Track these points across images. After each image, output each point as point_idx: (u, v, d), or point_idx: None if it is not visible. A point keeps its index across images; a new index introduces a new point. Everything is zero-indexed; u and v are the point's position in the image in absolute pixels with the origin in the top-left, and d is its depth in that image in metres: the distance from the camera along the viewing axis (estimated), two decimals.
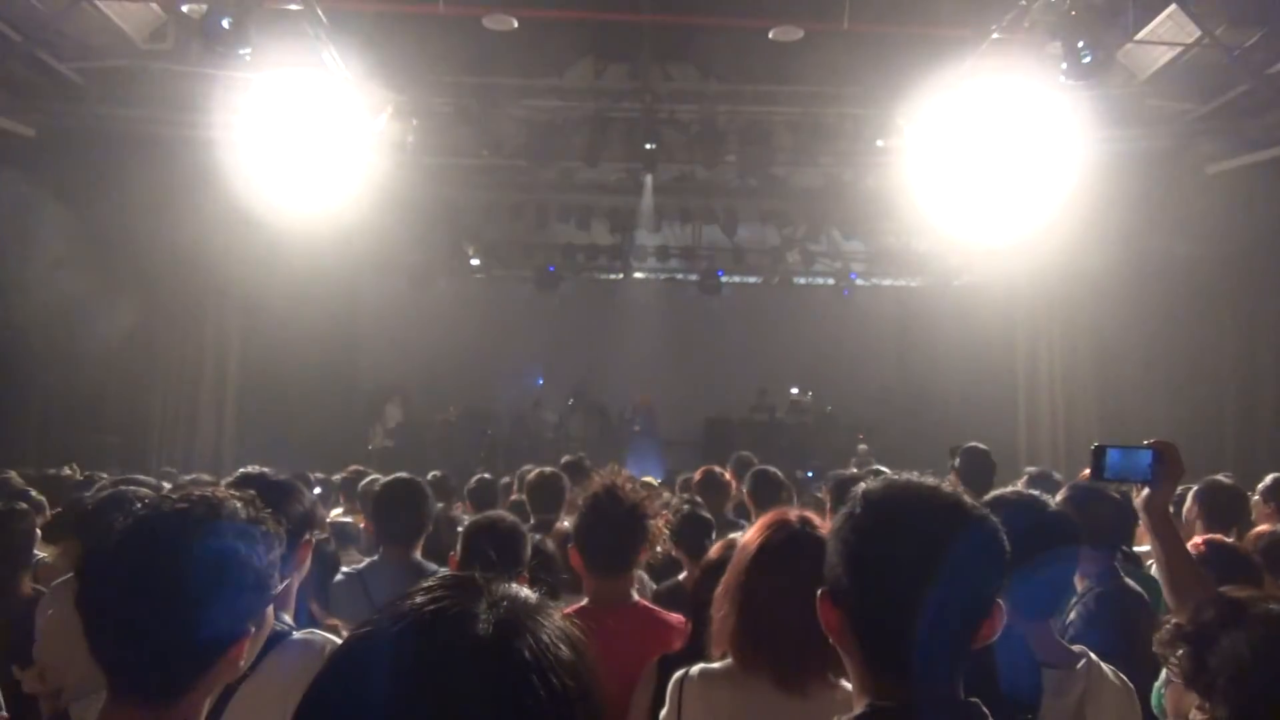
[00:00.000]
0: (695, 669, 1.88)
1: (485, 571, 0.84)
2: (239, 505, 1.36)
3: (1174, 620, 1.68)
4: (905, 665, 1.17)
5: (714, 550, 2.33)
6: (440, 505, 4.41)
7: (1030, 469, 5.38)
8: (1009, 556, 1.23)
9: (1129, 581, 2.82)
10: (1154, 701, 1.87)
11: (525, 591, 0.81)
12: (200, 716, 1.31)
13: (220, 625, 1.26)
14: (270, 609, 1.37)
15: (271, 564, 1.35)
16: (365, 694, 0.74)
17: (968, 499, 1.24)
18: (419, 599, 0.78)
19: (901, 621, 1.16)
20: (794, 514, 1.90)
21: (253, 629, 1.32)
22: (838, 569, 1.23)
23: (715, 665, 1.87)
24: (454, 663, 0.73)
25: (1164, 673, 1.74)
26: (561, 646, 0.77)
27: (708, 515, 3.63)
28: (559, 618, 0.80)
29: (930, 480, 1.27)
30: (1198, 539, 2.90)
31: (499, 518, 2.95)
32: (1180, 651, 1.61)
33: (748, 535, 1.91)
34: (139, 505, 1.35)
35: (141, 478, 3.95)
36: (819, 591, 1.26)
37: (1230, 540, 2.90)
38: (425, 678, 0.72)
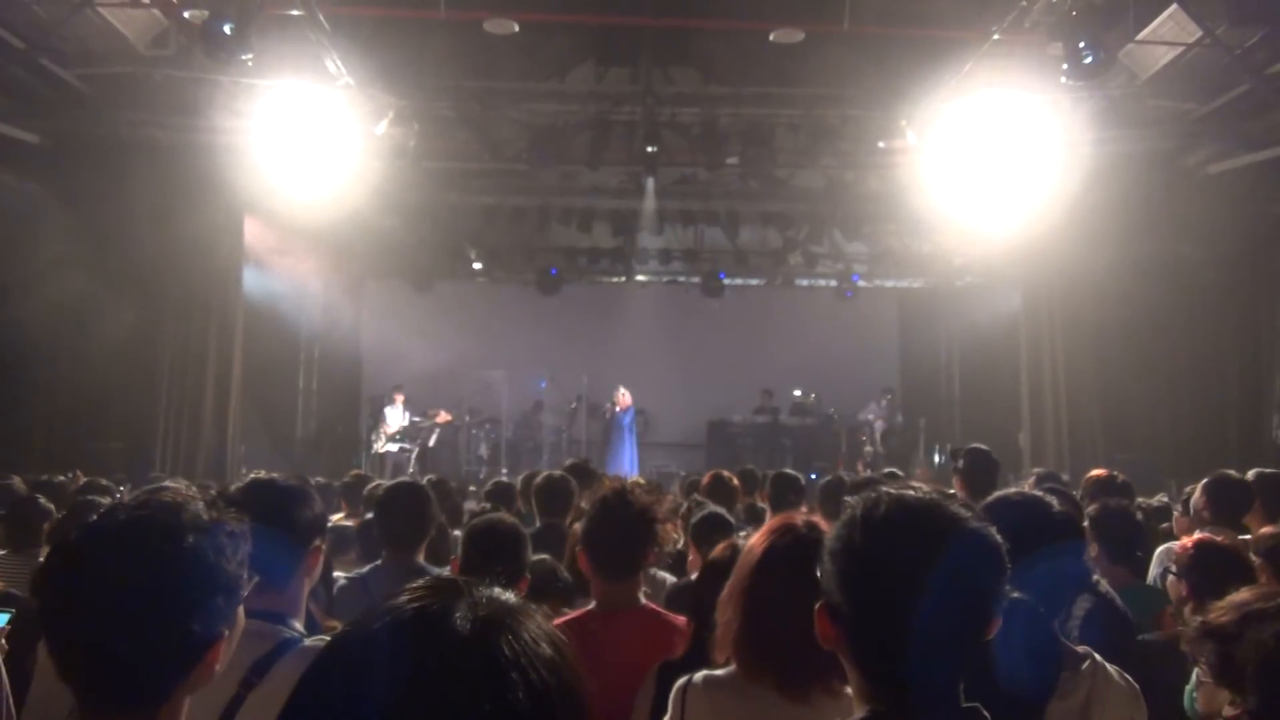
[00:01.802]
0: (698, 675, 1.86)
1: (486, 573, 0.85)
2: (200, 506, 1.30)
3: (1200, 619, 1.69)
4: (904, 680, 1.17)
5: (715, 552, 2.32)
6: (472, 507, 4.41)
7: (1038, 469, 5.40)
8: (1008, 567, 1.21)
9: (1105, 587, 2.85)
10: (1185, 704, 1.88)
11: (506, 593, 0.82)
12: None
13: (192, 632, 1.21)
14: (240, 610, 1.32)
15: (240, 563, 1.30)
16: (347, 693, 0.74)
17: (965, 512, 1.22)
18: (401, 599, 0.79)
19: (899, 640, 1.15)
20: (800, 518, 1.88)
21: (226, 631, 1.27)
22: (833, 588, 1.23)
23: (719, 672, 1.85)
24: (434, 660, 0.74)
25: (1195, 674, 1.76)
26: (542, 644, 0.78)
27: (727, 515, 3.63)
28: (540, 618, 0.81)
29: (926, 492, 1.24)
30: (1186, 540, 2.89)
31: (499, 520, 2.94)
32: (1208, 649, 1.62)
33: (753, 539, 1.89)
34: (93, 515, 1.29)
35: (170, 484, 3.93)
36: (816, 606, 1.25)
37: (1221, 540, 2.89)
38: (406, 676, 0.73)
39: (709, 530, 3.34)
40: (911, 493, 1.24)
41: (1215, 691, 1.62)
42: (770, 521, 1.91)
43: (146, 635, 1.19)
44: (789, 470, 5.00)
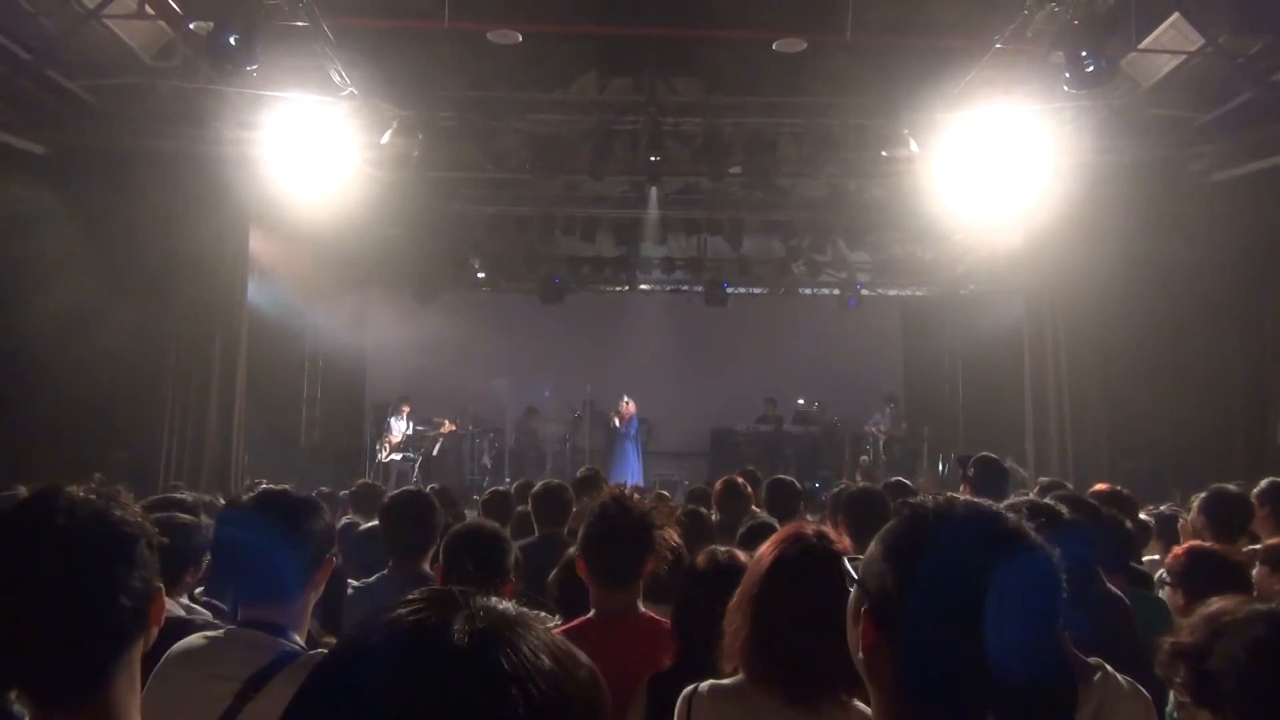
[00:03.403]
0: (704, 685, 1.85)
1: (466, 581, 0.83)
2: (72, 489, 1.30)
3: (1169, 641, 1.67)
4: (947, 696, 1.12)
5: (699, 560, 2.31)
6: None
7: (1043, 479, 5.36)
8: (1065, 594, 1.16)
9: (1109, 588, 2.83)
10: None
11: (506, 604, 0.80)
12: (136, 677, 1.26)
13: (134, 588, 1.21)
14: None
15: (137, 521, 1.30)
16: (344, 707, 0.73)
17: (1028, 528, 1.18)
18: (398, 611, 0.78)
19: (952, 651, 1.09)
20: (810, 528, 1.87)
21: (160, 585, 1.28)
22: (890, 588, 1.15)
23: (725, 681, 1.84)
24: (431, 673, 0.72)
25: (1172, 696, 1.73)
26: (542, 657, 0.75)
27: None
28: (542, 629, 0.79)
29: (985, 503, 1.21)
30: (1177, 548, 2.86)
31: (479, 526, 2.92)
32: (1181, 670, 1.60)
33: (763, 548, 1.87)
34: None
35: (179, 496, 3.92)
36: (862, 609, 1.18)
37: (1211, 546, 2.86)
38: (402, 690, 0.71)
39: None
40: (961, 498, 1.21)
41: (1195, 711, 1.59)
42: (780, 530, 1.90)
43: (97, 608, 1.18)
44: (784, 476, 4.97)
